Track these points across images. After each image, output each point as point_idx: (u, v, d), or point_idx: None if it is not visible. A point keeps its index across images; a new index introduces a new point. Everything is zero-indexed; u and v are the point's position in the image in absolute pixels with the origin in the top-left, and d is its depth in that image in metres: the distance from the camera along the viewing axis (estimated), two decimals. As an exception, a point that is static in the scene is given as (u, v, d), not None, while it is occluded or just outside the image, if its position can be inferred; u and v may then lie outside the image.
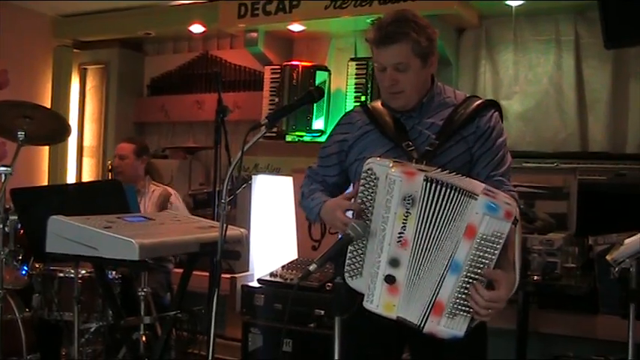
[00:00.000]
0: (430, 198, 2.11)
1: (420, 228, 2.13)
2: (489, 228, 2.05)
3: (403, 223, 2.13)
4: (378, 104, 2.60)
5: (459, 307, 2.11)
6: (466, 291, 2.10)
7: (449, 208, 2.11)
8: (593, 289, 4.03)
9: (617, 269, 3.14)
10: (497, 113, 2.51)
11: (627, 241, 3.12)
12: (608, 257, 3.18)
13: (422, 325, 2.15)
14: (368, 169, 2.21)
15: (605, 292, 3.98)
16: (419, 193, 2.11)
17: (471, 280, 2.09)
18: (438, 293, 2.12)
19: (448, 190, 2.11)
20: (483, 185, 2.17)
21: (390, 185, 2.13)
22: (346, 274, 2.25)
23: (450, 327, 2.12)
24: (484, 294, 2.08)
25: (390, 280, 2.15)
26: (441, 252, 2.12)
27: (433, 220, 2.12)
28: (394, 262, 2.15)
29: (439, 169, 2.20)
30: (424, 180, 2.11)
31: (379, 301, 2.18)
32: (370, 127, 2.55)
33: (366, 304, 2.20)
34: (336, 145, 2.64)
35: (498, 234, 2.05)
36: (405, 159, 2.35)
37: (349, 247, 2.24)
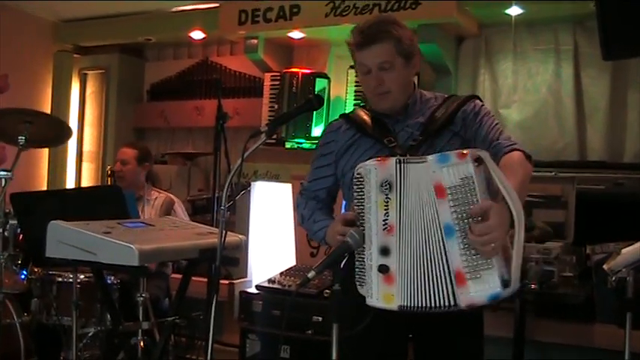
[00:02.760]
0: (404, 179, 2.12)
1: (402, 210, 2.13)
2: (453, 177, 2.04)
3: (385, 209, 2.14)
4: (359, 111, 2.64)
5: (477, 264, 2.04)
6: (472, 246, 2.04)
7: (417, 182, 2.11)
8: (590, 297, 4.04)
9: (614, 278, 3.14)
10: (478, 101, 2.54)
11: (624, 250, 3.13)
12: (605, 266, 3.18)
13: (446, 304, 2.06)
14: (357, 174, 2.23)
15: (602, 301, 3.98)
16: (394, 177, 2.13)
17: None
18: (449, 264, 2.05)
19: (412, 165, 2.12)
20: None
21: (367, 175, 2.17)
22: (357, 283, 2.26)
23: (481, 289, 2.03)
24: (474, 229, 2.01)
25: (383, 269, 2.14)
26: (429, 226, 2.09)
27: (411, 199, 2.12)
28: (384, 251, 2.14)
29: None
30: (396, 162, 2.14)
31: (378, 294, 2.16)
32: (353, 132, 2.59)
33: (368, 301, 2.19)
34: (325, 157, 2.68)
35: (465, 177, 2.03)
36: (387, 153, 2.38)
37: (357, 256, 2.25)
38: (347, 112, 2.73)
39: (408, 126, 2.50)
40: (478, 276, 2.03)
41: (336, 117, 2.78)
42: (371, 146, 2.51)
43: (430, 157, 2.09)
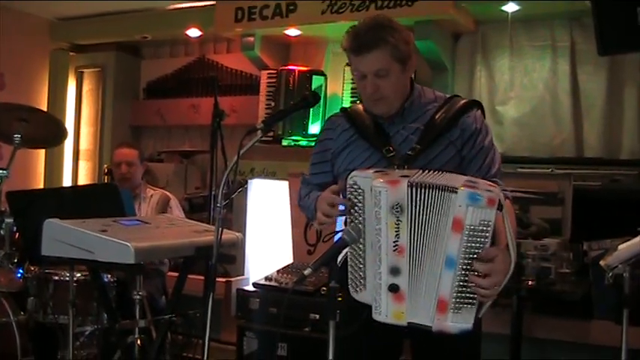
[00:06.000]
0: (417, 202, 2.13)
1: (413, 233, 2.14)
2: (475, 218, 2.06)
3: (396, 231, 2.14)
4: (359, 108, 2.61)
5: (462, 299, 2.12)
6: (466, 283, 2.11)
7: (435, 208, 2.12)
8: (587, 294, 4.05)
9: (610, 275, 3.14)
10: (480, 112, 2.52)
11: (621, 246, 3.13)
12: (601, 263, 3.18)
13: (422, 324, 2.16)
14: (353, 184, 2.24)
15: (599, 298, 3.99)
16: (406, 200, 2.12)
17: (467, 272, 2.10)
18: (438, 291, 2.13)
19: (431, 191, 2.12)
20: (464, 177, 2.19)
21: (377, 197, 2.15)
22: (350, 289, 2.28)
23: (457, 321, 2.13)
24: (479, 268, 2.08)
25: (393, 288, 2.16)
26: (436, 251, 2.13)
27: (423, 223, 2.13)
28: (395, 271, 2.16)
29: (420, 171, 2.21)
30: (408, 186, 2.13)
31: (387, 311, 2.19)
32: (351, 132, 2.56)
33: (376, 316, 2.21)
34: (323, 153, 2.67)
35: (485, 222, 2.07)
36: (384, 164, 2.37)
37: (349, 262, 2.26)
38: (348, 106, 2.68)
39: (404, 129, 2.48)
40: (458, 310, 2.13)
41: (334, 112, 2.75)
42: (365, 149, 2.50)
43: (461, 192, 2.07)
